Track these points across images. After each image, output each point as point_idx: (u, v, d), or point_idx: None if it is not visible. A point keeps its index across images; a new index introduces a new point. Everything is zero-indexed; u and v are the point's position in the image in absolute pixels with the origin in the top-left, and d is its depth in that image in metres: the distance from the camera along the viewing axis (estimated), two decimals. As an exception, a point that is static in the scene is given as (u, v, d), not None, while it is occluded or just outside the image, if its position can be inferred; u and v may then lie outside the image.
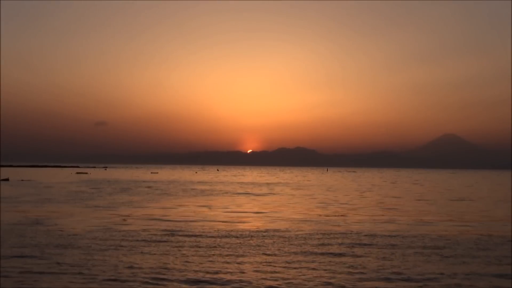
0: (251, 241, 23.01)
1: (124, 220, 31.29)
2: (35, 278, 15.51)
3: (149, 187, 76.35)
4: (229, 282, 15.22)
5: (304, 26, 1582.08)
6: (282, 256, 19.47)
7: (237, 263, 17.98)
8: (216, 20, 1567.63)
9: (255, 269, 17.01)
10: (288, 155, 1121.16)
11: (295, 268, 17.25)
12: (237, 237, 24.41)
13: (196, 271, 16.52)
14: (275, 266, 17.44)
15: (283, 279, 15.62)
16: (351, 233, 25.93)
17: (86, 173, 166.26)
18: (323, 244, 22.31)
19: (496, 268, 17.60)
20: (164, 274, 16.08)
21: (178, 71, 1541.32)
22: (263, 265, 17.61)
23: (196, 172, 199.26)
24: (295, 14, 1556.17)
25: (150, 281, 15.27)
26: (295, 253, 20.14)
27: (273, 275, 16.15)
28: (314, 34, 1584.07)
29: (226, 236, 24.53)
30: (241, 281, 15.35)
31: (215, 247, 21.32)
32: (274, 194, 62.42)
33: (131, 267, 17.04)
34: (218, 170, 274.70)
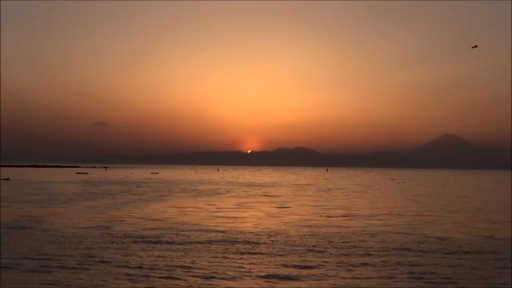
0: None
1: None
2: (36, 277, 15.51)
3: (149, 187, 76.30)
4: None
5: (304, 26, 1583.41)
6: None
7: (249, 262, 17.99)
8: (216, 20, 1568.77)
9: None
10: (288, 155, 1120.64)
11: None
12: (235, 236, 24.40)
13: (203, 270, 16.55)
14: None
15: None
16: None
17: (86, 173, 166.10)
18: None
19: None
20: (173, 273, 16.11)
21: (178, 71, 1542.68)
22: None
23: (196, 172, 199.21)
24: (295, 14, 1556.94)
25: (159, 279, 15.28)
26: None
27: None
28: (314, 34, 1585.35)
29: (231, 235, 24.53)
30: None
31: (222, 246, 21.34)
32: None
33: (139, 267, 17.04)
34: (218, 170, 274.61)
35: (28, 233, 24.91)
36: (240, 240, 23.32)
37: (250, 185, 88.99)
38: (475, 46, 46.79)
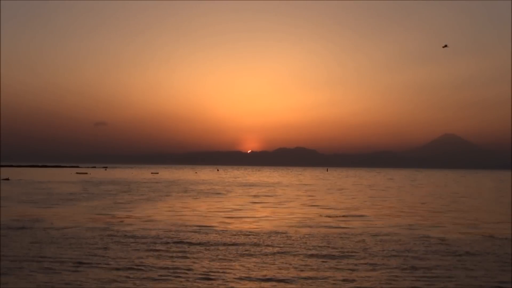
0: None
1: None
2: (36, 278, 15.50)
3: (149, 187, 76.28)
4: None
5: (304, 26, 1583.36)
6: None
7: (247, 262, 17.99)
8: (216, 20, 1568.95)
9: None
10: (288, 155, 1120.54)
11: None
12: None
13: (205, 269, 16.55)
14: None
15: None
16: None
17: (86, 173, 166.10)
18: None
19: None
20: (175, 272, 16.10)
21: (178, 71, 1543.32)
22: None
23: (196, 172, 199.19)
24: (294, 14, 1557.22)
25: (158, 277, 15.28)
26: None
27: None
28: (314, 34, 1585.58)
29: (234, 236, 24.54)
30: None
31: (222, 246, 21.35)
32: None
33: (140, 266, 17.04)
34: (218, 170, 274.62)
35: (28, 233, 24.91)
36: (240, 240, 23.32)
37: (250, 185, 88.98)
38: (445, 46, 46.64)
